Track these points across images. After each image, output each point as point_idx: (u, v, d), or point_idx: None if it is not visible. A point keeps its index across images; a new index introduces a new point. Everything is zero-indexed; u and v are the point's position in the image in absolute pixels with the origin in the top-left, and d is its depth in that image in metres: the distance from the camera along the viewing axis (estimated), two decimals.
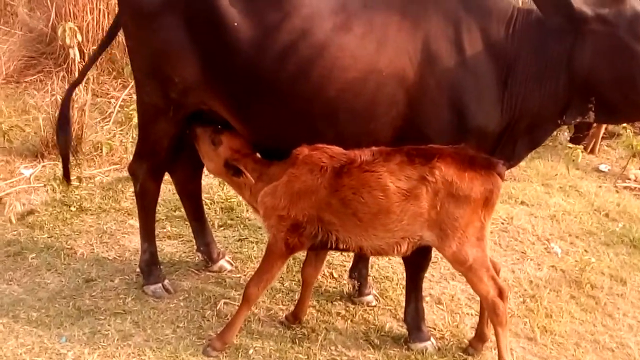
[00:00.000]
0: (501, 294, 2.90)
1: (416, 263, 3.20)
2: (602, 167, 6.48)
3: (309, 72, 2.81)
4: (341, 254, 3.84)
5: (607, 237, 4.74)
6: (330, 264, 3.88)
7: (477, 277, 2.85)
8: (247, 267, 3.78)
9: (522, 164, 6.15)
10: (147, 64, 3.10)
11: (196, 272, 3.73)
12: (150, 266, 3.49)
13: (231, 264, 3.77)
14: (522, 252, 4.37)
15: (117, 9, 6.92)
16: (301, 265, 3.31)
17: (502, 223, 4.70)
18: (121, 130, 5.76)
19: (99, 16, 7.18)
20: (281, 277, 3.66)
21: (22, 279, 3.54)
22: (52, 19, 7.34)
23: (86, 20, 7.08)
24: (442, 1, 2.92)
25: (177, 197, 3.83)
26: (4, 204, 4.39)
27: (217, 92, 3.00)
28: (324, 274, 3.80)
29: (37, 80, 7.08)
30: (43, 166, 5.05)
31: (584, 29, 2.79)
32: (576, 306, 3.83)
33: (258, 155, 3.14)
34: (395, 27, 2.86)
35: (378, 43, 2.84)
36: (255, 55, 2.85)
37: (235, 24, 2.85)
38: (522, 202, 5.14)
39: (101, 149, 5.32)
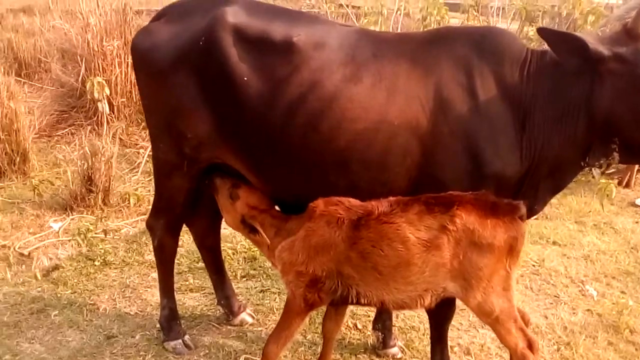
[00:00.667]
0: (531, 345, 2.76)
1: (440, 314, 3.08)
2: (639, 202, 6.27)
3: (318, 124, 2.79)
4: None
5: None
6: (354, 314, 3.80)
7: (504, 329, 2.72)
8: (269, 320, 3.71)
9: (554, 201, 6.04)
10: (161, 121, 3.12)
11: (217, 326, 3.68)
12: (170, 322, 3.45)
13: (253, 317, 3.71)
14: (555, 296, 4.20)
15: None
16: (323, 316, 3.22)
17: (534, 265, 4.55)
18: (149, 180, 5.82)
19: (127, 69, 7.35)
20: (303, 330, 3.58)
21: (44, 337, 3.53)
22: (81, 73, 7.55)
23: (115, 74, 7.26)
24: (453, 47, 2.87)
25: None
26: (32, 259, 4.46)
27: (230, 146, 3.00)
28: (347, 326, 3.71)
29: (68, 134, 7.25)
30: (72, 219, 5.11)
31: (601, 69, 2.70)
32: (614, 353, 3.63)
33: (277, 209, 3.09)
34: (405, 75, 2.82)
35: (388, 92, 2.80)
36: (264, 109, 2.84)
37: (245, 78, 2.85)
38: (554, 242, 4.99)
39: (129, 200, 5.38)
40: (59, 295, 3.95)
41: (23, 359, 3.33)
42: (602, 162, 2.88)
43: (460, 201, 2.65)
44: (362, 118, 2.78)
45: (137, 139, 7.16)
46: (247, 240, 4.39)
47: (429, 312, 3.10)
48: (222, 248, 4.35)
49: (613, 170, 6.73)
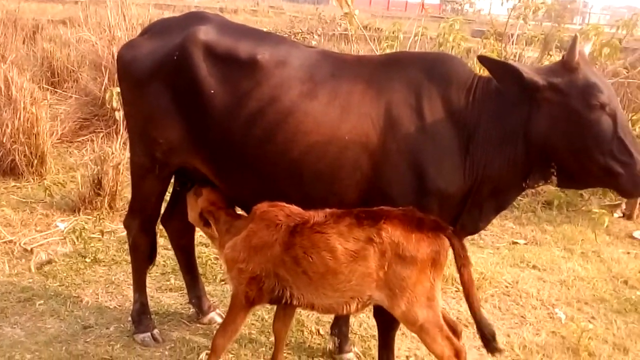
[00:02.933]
0: (458, 354, 2.89)
1: (387, 320, 3.23)
2: (637, 234, 6.28)
3: (274, 135, 3.00)
4: None
5: (620, 305, 4.59)
6: (319, 320, 3.96)
7: (429, 337, 2.86)
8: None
9: (549, 228, 6.14)
10: (137, 127, 3.39)
11: (187, 323, 3.89)
12: (141, 315, 3.68)
13: (221, 317, 3.90)
14: (522, 317, 4.30)
15: None
16: (273, 317, 3.40)
17: (506, 287, 4.65)
18: None
19: None
20: (268, 332, 3.77)
21: (26, 323, 3.79)
22: (104, 84, 7.95)
23: None
24: (407, 71, 3.06)
25: None
26: (32, 254, 4.75)
27: (197, 152, 3.24)
28: (310, 330, 3.88)
29: (87, 140, 7.62)
30: (76, 220, 5.39)
31: (538, 97, 2.85)
32: None
33: (233, 209, 3.32)
34: (359, 95, 3.02)
35: (342, 109, 3.00)
36: (227, 120, 3.07)
37: (212, 91, 3.09)
38: (534, 267, 5.08)
39: None
40: (47, 286, 4.21)
41: (3, 341, 3.58)
42: (540, 184, 3.03)
43: (387, 216, 2.82)
44: (315, 132, 2.98)
45: None
46: None
47: (377, 318, 3.27)
48: (205, 253, 4.62)
49: (618, 202, 6.77)
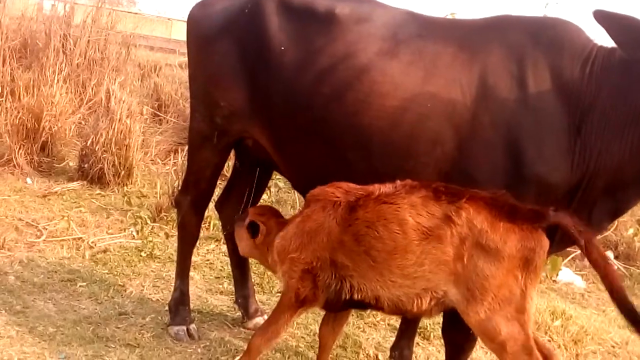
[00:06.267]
0: None
1: (458, 343, 2.65)
2: None
3: (344, 95, 2.62)
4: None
5: None
6: (380, 345, 3.40)
7: (511, 359, 2.25)
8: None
9: None
10: (200, 89, 3.12)
11: (230, 325, 3.46)
12: (179, 306, 3.29)
13: None
14: None
15: None
16: (321, 321, 2.90)
17: (612, 346, 3.86)
18: None
19: None
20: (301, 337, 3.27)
21: (61, 300, 3.50)
22: None
23: None
24: (507, 33, 2.60)
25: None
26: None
27: (259, 119, 2.91)
28: (367, 354, 3.32)
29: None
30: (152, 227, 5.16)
31: None
32: None
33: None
34: (449, 57, 2.59)
35: (426, 72, 2.58)
36: (295, 78, 2.75)
37: (282, 48, 2.79)
38: None
39: (209, 222, 5.33)
40: (94, 272, 3.94)
41: (32, 312, 3.29)
42: None
43: (472, 195, 2.31)
44: (391, 94, 2.57)
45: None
46: None
47: (446, 340, 2.70)
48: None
49: None
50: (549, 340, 3.73)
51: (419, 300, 2.36)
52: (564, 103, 2.46)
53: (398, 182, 2.44)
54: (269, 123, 2.88)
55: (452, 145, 2.52)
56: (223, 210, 3.49)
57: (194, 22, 3.14)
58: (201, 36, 3.08)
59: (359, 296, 2.48)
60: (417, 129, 2.53)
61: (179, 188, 3.39)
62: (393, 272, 2.36)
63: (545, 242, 2.27)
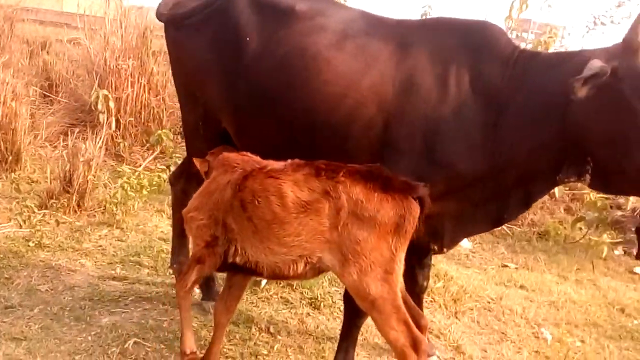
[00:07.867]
0: (415, 345, 2.46)
1: (355, 308, 2.83)
2: (638, 269, 5.81)
3: (295, 81, 2.90)
4: None
5: (614, 331, 4.12)
6: (271, 319, 3.53)
7: (381, 317, 2.44)
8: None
9: (543, 256, 5.68)
10: (182, 83, 3.43)
11: (122, 311, 3.47)
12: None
13: None
14: (502, 333, 3.83)
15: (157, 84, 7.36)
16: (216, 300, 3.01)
17: (488, 302, 4.20)
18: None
19: (139, 89, 7.45)
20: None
21: None
22: (94, 88, 7.68)
23: (126, 93, 7.37)
24: (441, 37, 2.87)
25: None
26: None
27: (227, 107, 3.15)
28: (260, 328, 3.44)
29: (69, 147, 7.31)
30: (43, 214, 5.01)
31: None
32: None
33: None
34: (387, 55, 2.86)
35: (365, 65, 2.86)
36: (256, 65, 3.01)
37: (247, 39, 3.04)
38: (522, 286, 4.63)
39: (104, 207, 5.25)
40: None
41: None
42: (573, 180, 2.67)
43: (349, 170, 2.49)
44: (333, 82, 2.85)
45: (137, 158, 7.15)
46: None
47: (345, 301, 2.98)
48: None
49: (620, 240, 6.31)
50: (432, 301, 4.01)
51: (295, 266, 2.54)
52: (481, 100, 2.71)
53: (289, 160, 2.64)
54: (234, 109, 3.11)
55: (382, 130, 2.79)
56: (176, 183, 3.72)
57: (168, 22, 3.40)
58: (176, 34, 3.35)
59: (241, 260, 2.64)
60: (354, 114, 2.81)
61: (177, 166, 3.73)
62: (271, 240, 2.54)
63: (416, 209, 2.47)
